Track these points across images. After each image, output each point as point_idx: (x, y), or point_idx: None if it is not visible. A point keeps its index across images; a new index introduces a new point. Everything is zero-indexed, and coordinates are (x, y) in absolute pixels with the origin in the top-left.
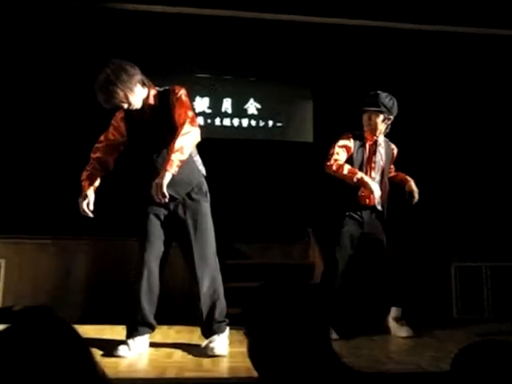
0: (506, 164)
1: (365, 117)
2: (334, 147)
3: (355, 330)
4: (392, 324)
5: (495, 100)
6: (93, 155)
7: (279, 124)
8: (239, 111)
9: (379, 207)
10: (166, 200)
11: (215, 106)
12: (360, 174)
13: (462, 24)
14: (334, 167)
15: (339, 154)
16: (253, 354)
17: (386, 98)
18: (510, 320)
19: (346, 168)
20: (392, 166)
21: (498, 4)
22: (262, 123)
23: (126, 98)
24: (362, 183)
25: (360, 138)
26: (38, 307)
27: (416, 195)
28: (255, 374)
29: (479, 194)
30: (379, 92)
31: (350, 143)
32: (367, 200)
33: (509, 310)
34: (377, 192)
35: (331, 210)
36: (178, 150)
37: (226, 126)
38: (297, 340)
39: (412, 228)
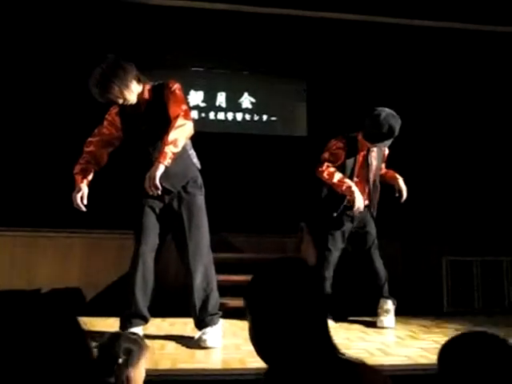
0: (497, 160)
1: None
2: (326, 152)
3: (347, 313)
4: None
5: (487, 95)
6: (86, 149)
7: (273, 118)
8: (233, 105)
9: (356, 213)
10: (159, 192)
11: (209, 99)
12: (349, 183)
13: (459, 20)
14: (326, 174)
15: (331, 160)
16: (255, 336)
17: (398, 129)
18: (499, 313)
19: (337, 177)
20: (382, 165)
21: (497, 1)
22: (256, 117)
23: (122, 93)
24: (349, 193)
25: (353, 142)
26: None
27: (404, 193)
28: (248, 365)
29: (471, 189)
30: (391, 123)
31: (343, 149)
32: None
33: (498, 303)
34: (357, 205)
35: (324, 206)
36: (171, 143)
37: (220, 120)
38: (298, 323)
39: (404, 222)
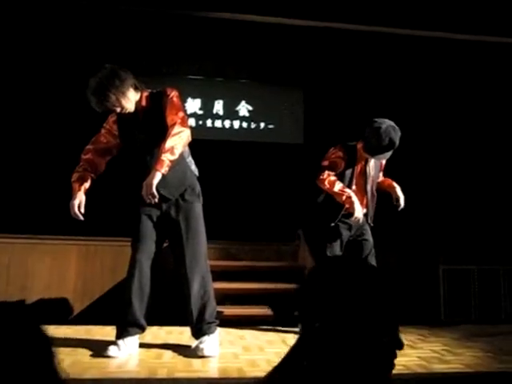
0: (493, 169)
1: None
2: (326, 160)
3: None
4: None
5: (484, 104)
6: (83, 156)
7: (270, 126)
8: (231, 113)
9: (355, 223)
10: (156, 200)
11: (207, 107)
12: (349, 194)
13: (455, 31)
14: (327, 183)
15: (332, 168)
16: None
17: (398, 141)
18: (497, 322)
19: (338, 186)
20: (380, 173)
21: (497, 12)
22: (253, 125)
23: (119, 102)
24: (349, 203)
25: (352, 151)
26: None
27: (402, 202)
28: (245, 374)
29: (468, 198)
30: (391, 136)
31: (342, 158)
32: None
33: (495, 312)
34: (357, 215)
35: (322, 214)
36: (168, 151)
37: (217, 128)
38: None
39: (401, 231)
